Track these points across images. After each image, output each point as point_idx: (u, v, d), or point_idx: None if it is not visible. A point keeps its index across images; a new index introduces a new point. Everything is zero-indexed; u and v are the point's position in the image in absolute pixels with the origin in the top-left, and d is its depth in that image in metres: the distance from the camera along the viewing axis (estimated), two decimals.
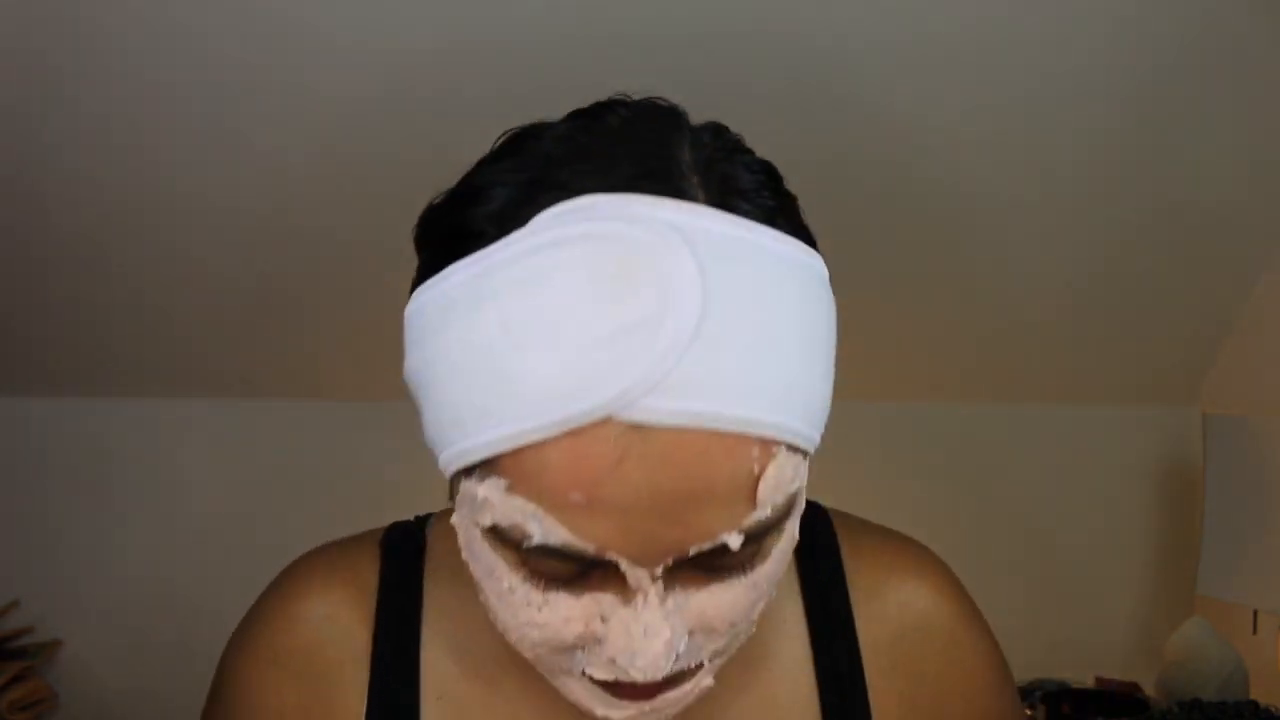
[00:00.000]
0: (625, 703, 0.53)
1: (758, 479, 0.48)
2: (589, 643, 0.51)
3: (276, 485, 1.81)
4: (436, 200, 0.54)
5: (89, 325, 1.66)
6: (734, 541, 0.48)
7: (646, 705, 0.53)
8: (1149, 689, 1.67)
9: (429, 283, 0.51)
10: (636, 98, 0.53)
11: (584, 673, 0.53)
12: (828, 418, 0.55)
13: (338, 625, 0.64)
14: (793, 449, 0.50)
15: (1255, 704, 1.50)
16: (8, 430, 1.78)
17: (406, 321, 0.53)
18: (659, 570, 0.48)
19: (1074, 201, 1.61)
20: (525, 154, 0.51)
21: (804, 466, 0.52)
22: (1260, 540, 1.63)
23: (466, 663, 0.64)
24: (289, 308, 1.66)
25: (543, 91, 0.72)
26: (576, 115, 0.53)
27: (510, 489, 0.48)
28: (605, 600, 0.50)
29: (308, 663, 0.63)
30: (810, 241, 0.53)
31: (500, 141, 0.54)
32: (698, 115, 0.54)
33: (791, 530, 0.53)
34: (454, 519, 0.54)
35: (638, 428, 0.45)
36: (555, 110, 0.55)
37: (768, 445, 0.48)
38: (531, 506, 0.47)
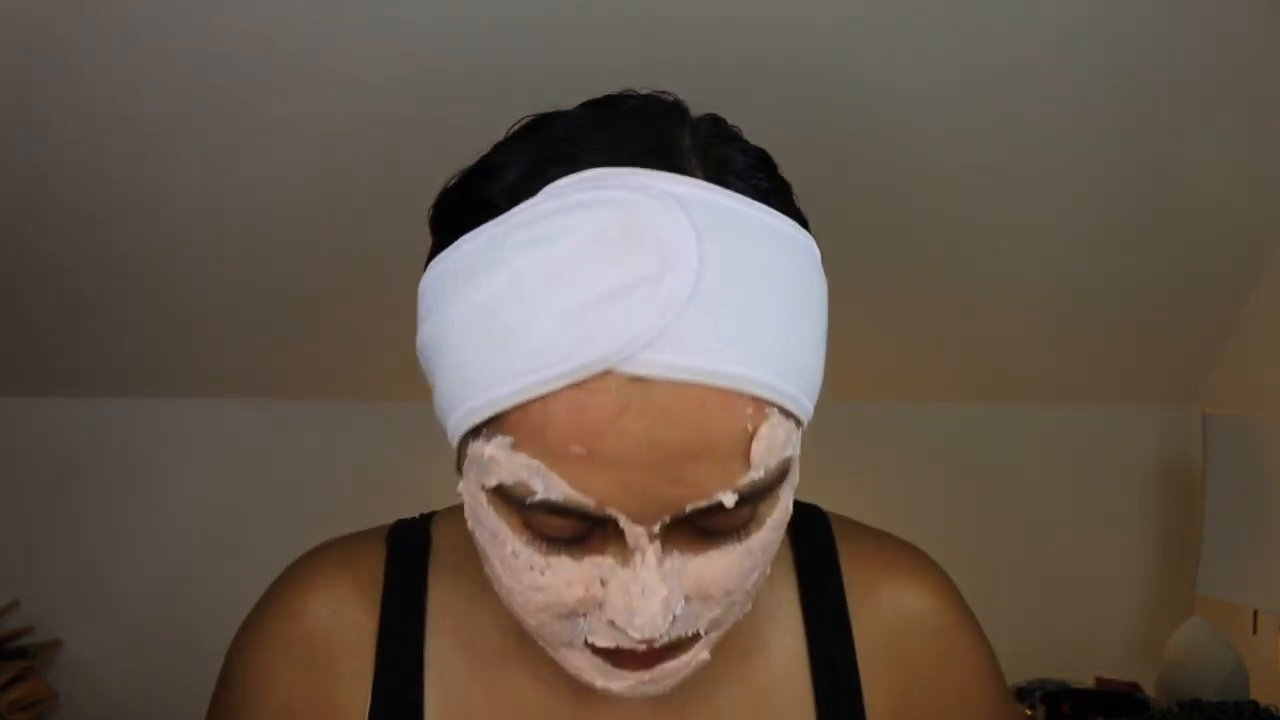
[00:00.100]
0: (625, 673, 0.55)
1: (752, 438, 0.50)
2: (590, 608, 0.53)
3: (277, 485, 1.82)
4: (450, 182, 0.57)
5: (89, 325, 1.66)
6: (729, 500, 0.50)
7: (645, 675, 0.55)
8: (1149, 689, 1.67)
9: (441, 255, 0.53)
10: (643, 91, 0.56)
11: (586, 642, 0.54)
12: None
13: (344, 616, 0.65)
14: (786, 414, 0.52)
15: (1255, 704, 1.50)
16: (8, 430, 1.78)
17: (420, 295, 0.55)
18: (656, 529, 0.50)
19: (1073, 201, 1.61)
20: (538, 135, 0.54)
21: (797, 435, 0.54)
22: (1260, 540, 1.63)
23: (470, 655, 0.65)
24: (289, 308, 1.66)
25: (549, 82, 0.72)
26: (588, 104, 0.56)
27: (515, 445, 0.50)
28: (605, 564, 0.52)
29: (314, 652, 0.65)
30: (803, 224, 0.55)
31: (515, 126, 0.56)
32: (690, 102, 0.57)
33: (785, 501, 0.55)
34: (460, 487, 0.55)
35: (637, 381, 0.48)
36: (558, 103, 0.57)
37: (761, 405, 0.50)
38: (535, 462, 0.49)
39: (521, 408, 0.49)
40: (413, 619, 0.65)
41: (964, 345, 1.83)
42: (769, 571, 0.57)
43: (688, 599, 0.53)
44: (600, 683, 0.56)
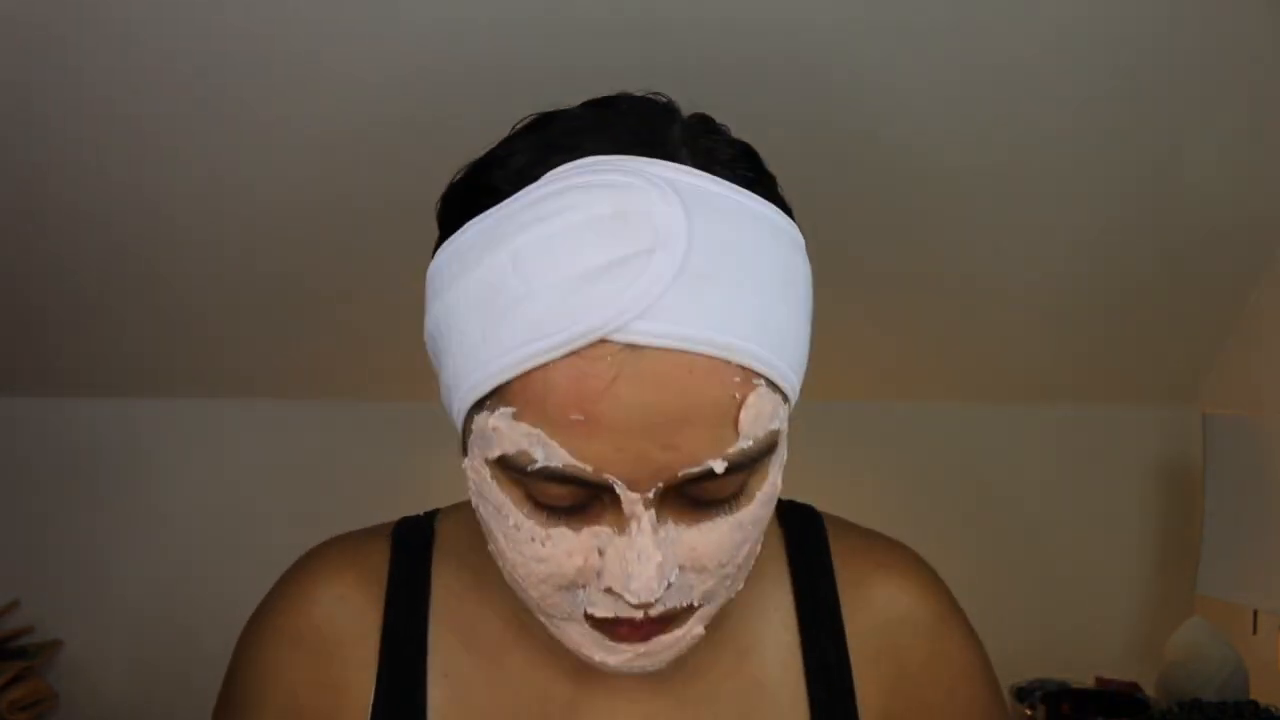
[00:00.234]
0: (622, 646, 0.58)
1: (740, 407, 0.53)
2: (589, 578, 0.56)
3: (277, 485, 1.82)
4: (457, 176, 0.59)
5: (89, 325, 1.66)
6: (718, 466, 0.53)
7: (641, 647, 0.58)
8: (1149, 689, 1.67)
9: (447, 241, 0.57)
10: (638, 93, 0.60)
11: (585, 614, 0.57)
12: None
13: (350, 606, 0.68)
14: (773, 387, 0.55)
15: (1255, 704, 1.50)
16: (8, 430, 1.78)
17: (427, 282, 0.58)
18: (651, 495, 0.53)
19: (1073, 201, 1.61)
20: (541, 130, 0.58)
21: (784, 410, 0.57)
22: (1260, 540, 1.63)
23: (472, 643, 0.67)
24: (289, 308, 1.66)
25: (549, 82, 0.73)
26: (588, 103, 0.59)
27: (517, 415, 0.53)
28: (603, 533, 0.55)
29: (320, 643, 0.67)
30: (788, 213, 0.59)
31: (519, 124, 0.60)
32: (679, 99, 0.61)
33: (774, 477, 0.58)
34: (465, 464, 0.58)
35: (630, 349, 0.51)
36: (558, 103, 0.60)
37: (748, 375, 0.53)
38: (536, 431, 0.52)
39: (522, 378, 0.52)
40: (416, 610, 0.68)
41: (964, 345, 1.83)
42: (759, 550, 0.60)
43: (682, 569, 0.56)
44: (598, 656, 0.58)
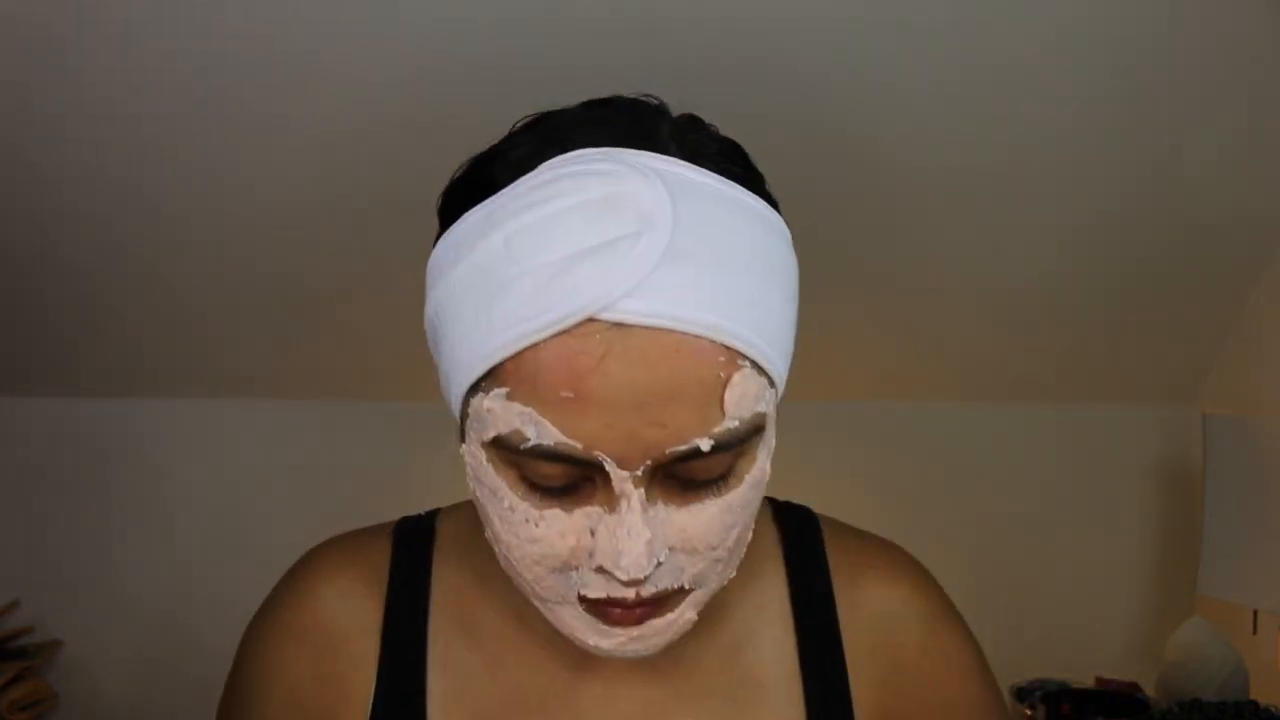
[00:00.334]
0: (615, 630, 0.59)
1: (725, 386, 0.54)
2: (581, 559, 0.57)
3: (277, 485, 1.82)
4: (457, 171, 0.61)
5: (89, 325, 1.66)
6: (705, 444, 0.54)
7: (634, 631, 0.59)
8: (1149, 689, 1.67)
9: (447, 231, 0.59)
10: (631, 95, 0.62)
11: (579, 596, 0.58)
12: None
13: (352, 601, 0.69)
14: (758, 370, 0.56)
15: (1255, 704, 1.51)
16: (8, 430, 1.78)
17: (427, 272, 0.60)
18: (640, 472, 0.54)
19: (1073, 201, 1.61)
20: (539, 127, 0.60)
21: (770, 394, 0.58)
22: (1260, 540, 1.63)
23: (471, 637, 0.69)
24: (289, 308, 1.66)
25: (548, 82, 0.73)
26: (584, 103, 0.62)
27: (510, 395, 0.55)
28: (594, 513, 0.56)
29: (323, 636, 0.69)
30: (774, 208, 0.60)
31: (519, 122, 0.62)
32: (669, 99, 0.63)
33: (762, 462, 0.59)
34: (463, 449, 0.60)
35: (618, 327, 0.53)
36: (558, 103, 0.62)
37: (733, 356, 0.55)
38: (528, 410, 0.54)
39: (515, 358, 0.54)
40: (417, 605, 0.69)
41: (964, 345, 1.83)
42: (749, 537, 0.61)
43: (672, 549, 0.57)
44: (592, 640, 0.60)
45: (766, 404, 0.57)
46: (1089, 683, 1.73)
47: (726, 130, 0.63)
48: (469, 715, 0.67)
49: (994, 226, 1.64)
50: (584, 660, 0.67)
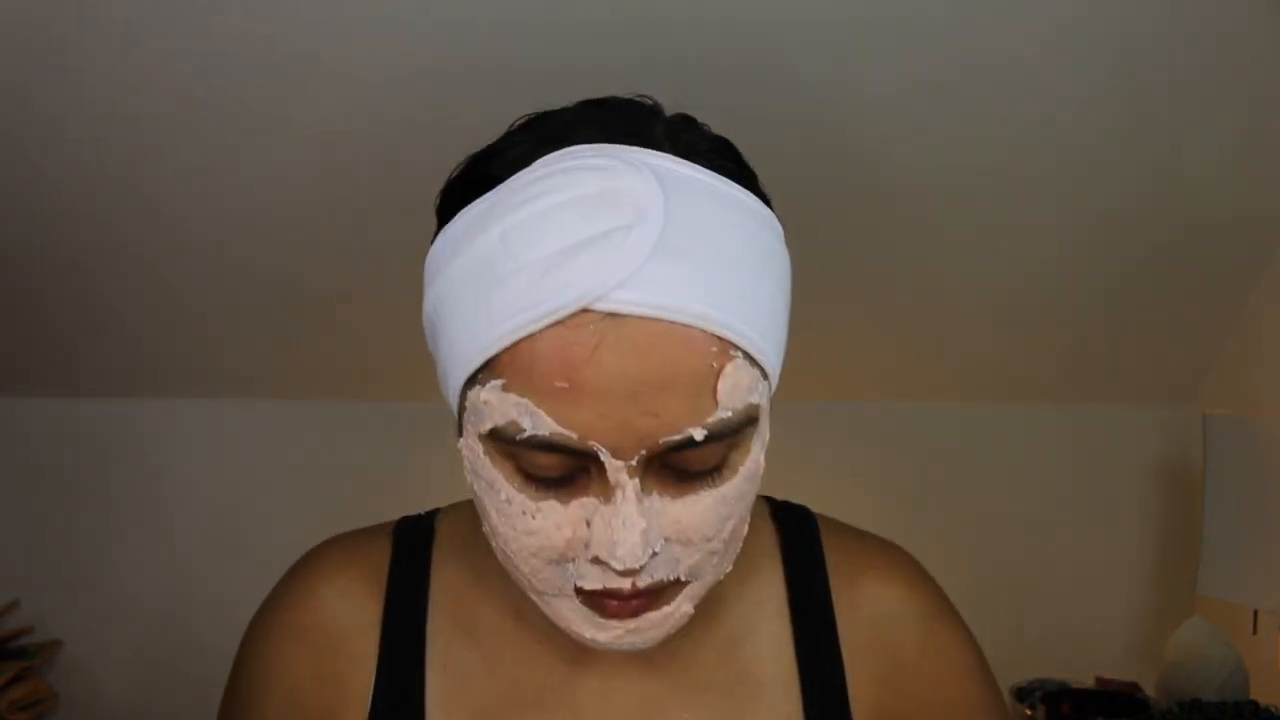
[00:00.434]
0: (612, 623, 0.59)
1: (717, 376, 0.55)
2: (577, 550, 0.58)
3: (277, 485, 1.82)
4: (456, 169, 0.62)
5: (89, 325, 1.66)
6: (698, 434, 0.55)
7: (631, 624, 0.59)
8: (1149, 689, 1.67)
9: (445, 228, 0.60)
10: (627, 95, 0.63)
11: (576, 588, 0.59)
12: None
13: (351, 601, 0.70)
14: (750, 361, 0.57)
15: (1255, 704, 1.51)
16: (8, 430, 1.78)
17: (426, 268, 0.61)
18: (634, 462, 0.55)
19: (1073, 201, 1.61)
20: (537, 125, 0.61)
21: (763, 386, 0.59)
22: (1260, 540, 1.63)
23: (469, 635, 0.69)
24: (289, 308, 1.66)
25: (548, 82, 0.73)
26: (581, 103, 0.62)
27: (506, 387, 0.55)
28: (589, 504, 0.57)
29: (323, 635, 0.69)
30: (766, 204, 0.61)
31: (517, 121, 0.62)
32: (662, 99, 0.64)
33: (756, 454, 0.60)
34: (460, 443, 0.61)
35: (611, 317, 0.53)
36: (557, 104, 0.63)
37: (725, 346, 0.55)
38: (524, 400, 0.55)
39: (511, 349, 0.55)
40: (416, 603, 0.70)
41: (964, 345, 1.83)
42: (745, 530, 0.62)
43: (667, 540, 0.58)
44: (588, 633, 0.60)
45: (760, 396, 0.58)
46: (1089, 683, 1.73)
47: (726, 131, 0.63)
48: (467, 712, 0.68)
49: (994, 226, 1.64)
50: (581, 655, 0.68)
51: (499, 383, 0.56)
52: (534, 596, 0.62)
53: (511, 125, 0.62)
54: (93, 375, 1.75)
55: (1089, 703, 1.62)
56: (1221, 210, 1.64)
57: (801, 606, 0.71)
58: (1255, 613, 1.66)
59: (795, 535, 0.74)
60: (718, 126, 0.63)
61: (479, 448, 0.58)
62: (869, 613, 0.71)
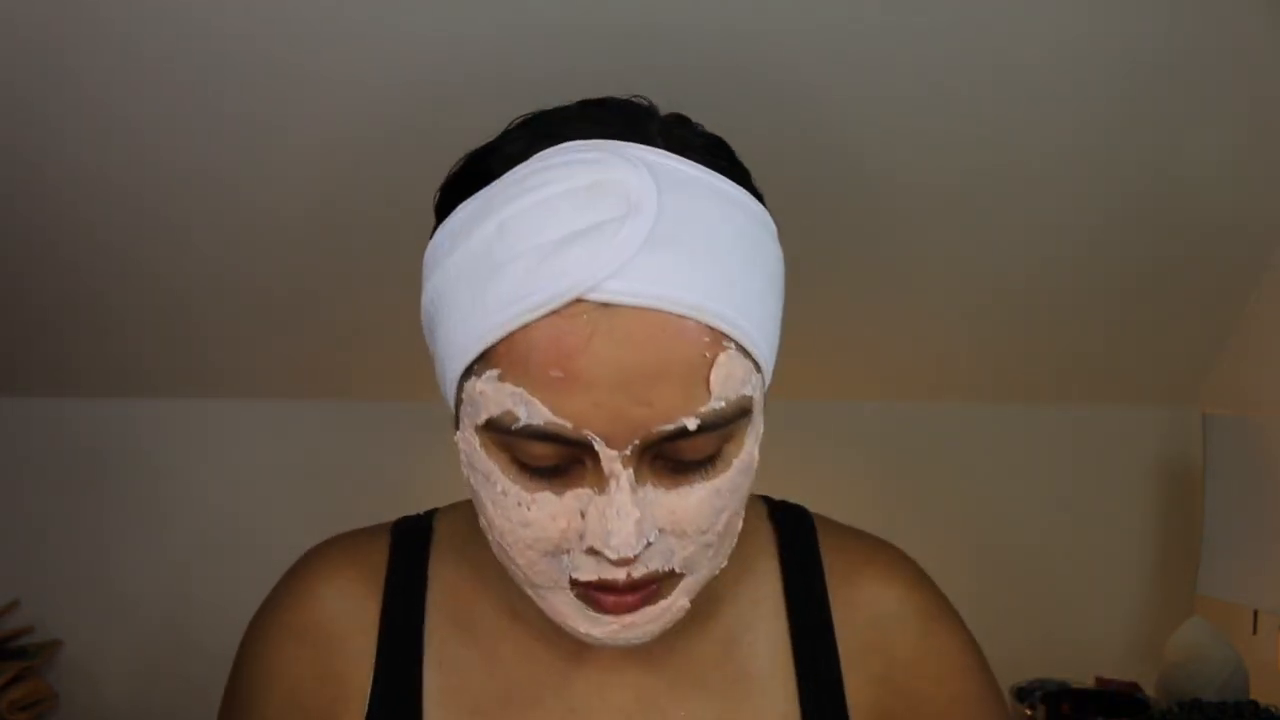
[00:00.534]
0: (607, 617, 0.60)
1: (710, 366, 0.56)
2: (572, 541, 0.58)
3: (277, 485, 1.82)
4: (454, 166, 0.63)
5: (88, 325, 1.66)
6: (691, 424, 0.55)
7: (627, 618, 0.60)
8: (1149, 689, 1.67)
9: (443, 223, 0.60)
10: (624, 96, 0.64)
11: (571, 580, 0.59)
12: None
13: (349, 600, 0.70)
14: (743, 353, 0.58)
15: (1255, 704, 1.51)
16: (8, 430, 1.78)
17: (424, 262, 0.62)
18: (628, 451, 0.55)
19: (1073, 201, 1.61)
20: (534, 123, 0.62)
21: (756, 378, 0.59)
22: (1260, 540, 1.63)
23: (466, 633, 0.70)
24: (290, 308, 1.66)
25: (548, 82, 0.73)
26: (578, 102, 0.64)
27: (501, 376, 0.56)
28: (584, 494, 0.57)
29: (321, 634, 0.70)
30: (759, 201, 0.62)
31: (514, 120, 0.63)
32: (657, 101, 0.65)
33: (750, 448, 0.60)
34: (456, 437, 0.61)
35: (605, 307, 0.54)
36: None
37: (718, 337, 0.56)
38: (519, 390, 0.55)
39: (507, 340, 0.56)
40: (413, 602, 0.70)
41: (964, 345, 1.83)
42: (740, 524, 0.62)
43: (662, 532, 0.58)
44: (583, 628, 0.61)
45: (753, 388, 0.59)
46: (1089, 683, 1.73)
47: (725, 133, 0.63)
48: (465, 710, 0.68)
49: (994, 227, 1.63)
50: (578, 652, 0.68)
51: (495, 373, 0.56)
52: (530, 591, 0.62)
53: (509, 124, 0.63)
54: (92, 375, 1.75)
55: (1089, 703, 1.62)
56: (1221, 211, 1.64)
57: (798, 605, 0.71)
58: (1255, 613, 1.66)
59: (792, 534, 0.74)
60: (717, 129, 0.63)
61: (475, 440, 0.59)
62: (866, 612, 0.72)
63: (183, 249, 1.55)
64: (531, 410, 0.55)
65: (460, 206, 0.59)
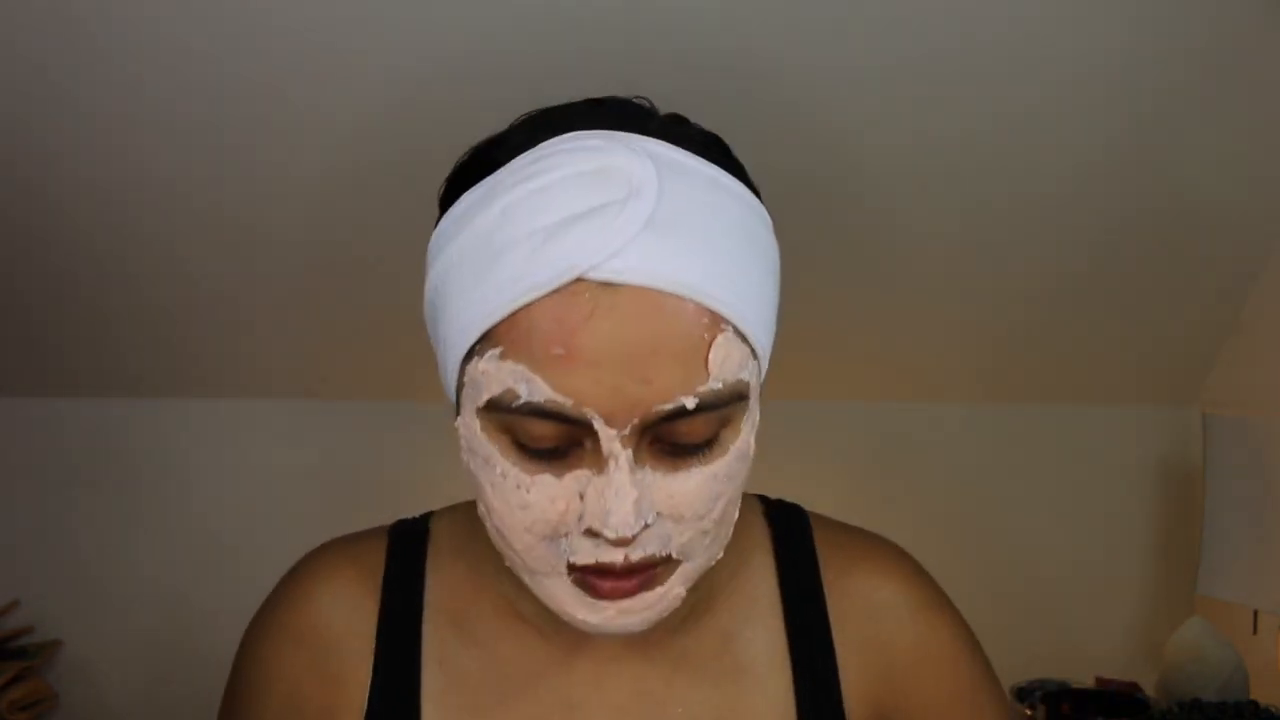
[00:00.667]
0: (604, 603, 0.60)
1: (708, 347, 0.57)
2: (571, 524, 0.59)
3: (278, 485, 1.82)
4: (460, 160, 0.64)
5: (88, 325, 1.66)
6: (689, 403, 0.56)
7: (624, 604, 0.60)
8: (1149, 689, 1.67)
9: (447, 211, 0.62)
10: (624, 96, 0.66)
11: (569, 565, 0.60)
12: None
13: (347, 602, 0.71)
14: (740, 337, 0.59)
15: (1255, 704, 1.50)
16: (8, 430, 1.78)
17: (429, 249, 0.63)
18: (627, 432, 0.56)
19: (1073, 201, 1.61)
20: (539, 116, 0.63)
21: (753, 364, 0.60)
22: (1260, 540, 1.63)
23: (464, 633, 0.70)
24: (290, 308, 1.66)
25: (548, 82, 0.74)
26: (583, 100, 0.65)
27: (503, 355, 0.57)
28: (583, 476, 0.58)
29: (319, 637, 0.70)
30: (755, 194, 0.63)
31: (519, 117, 0.64)
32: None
33: (747, 435, 0.61)
34: (457, 422, 0.62)
35: (605, 286, 0.55)
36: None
37: (715, 320, 0.57)
38: (520, 367, 0.56)
39: (509, 319, 0.57)
40: (411, 603, 0.71)
41: (964, 345, 1.83)
42: (736, 514, 0.63)
43: (660, 515, 0.59)
44: (580, 614, 0.61)
45: (750, 375, 0.60)
46: (1089, 683, 1.73)
47: (723, 134, 0.64)
48: (463, 710, 0.68)
49: (993, 227, 1.64)
50: (575, 646, 0.69)
51: (497, 351, 0.57)
52: (527, 579, 0.62)
53: (515, 120, 0.64)
54: (92, 375, 1.75)
55: (1089, 703, 1.62)
56: (1221, 210, 1.64)
57: (794, 600, 0.72)
58: (1255, 613, 1.66)
59: (787, 530, 0.75)
60: (717, 128, 0.64)
61: (475, 424, 0.59)
62: (862, 605, 0.72)
63: (186, 249, 1.55)
64: (533, 387, 0.56)
65: (465, 194, 0.60)
